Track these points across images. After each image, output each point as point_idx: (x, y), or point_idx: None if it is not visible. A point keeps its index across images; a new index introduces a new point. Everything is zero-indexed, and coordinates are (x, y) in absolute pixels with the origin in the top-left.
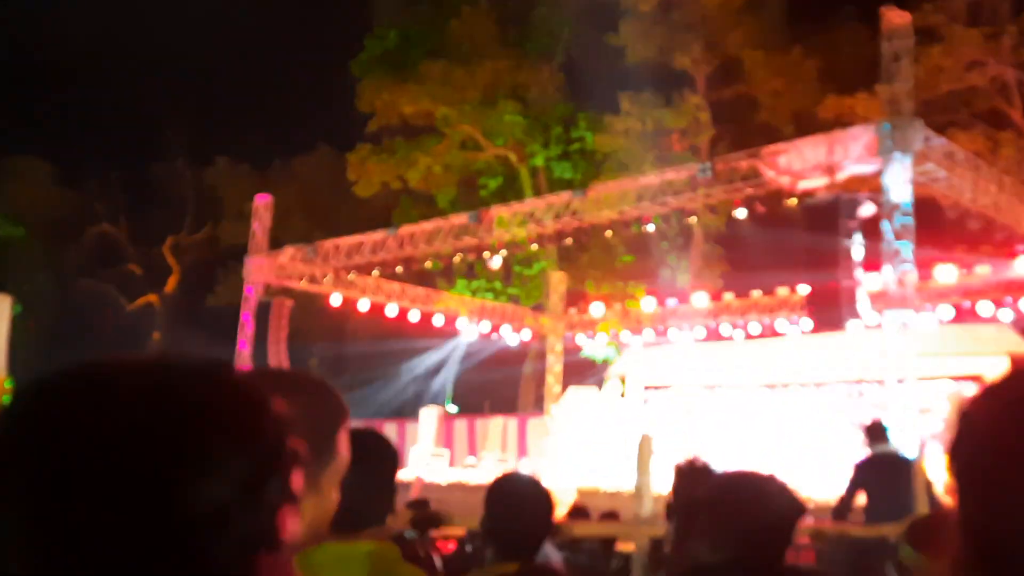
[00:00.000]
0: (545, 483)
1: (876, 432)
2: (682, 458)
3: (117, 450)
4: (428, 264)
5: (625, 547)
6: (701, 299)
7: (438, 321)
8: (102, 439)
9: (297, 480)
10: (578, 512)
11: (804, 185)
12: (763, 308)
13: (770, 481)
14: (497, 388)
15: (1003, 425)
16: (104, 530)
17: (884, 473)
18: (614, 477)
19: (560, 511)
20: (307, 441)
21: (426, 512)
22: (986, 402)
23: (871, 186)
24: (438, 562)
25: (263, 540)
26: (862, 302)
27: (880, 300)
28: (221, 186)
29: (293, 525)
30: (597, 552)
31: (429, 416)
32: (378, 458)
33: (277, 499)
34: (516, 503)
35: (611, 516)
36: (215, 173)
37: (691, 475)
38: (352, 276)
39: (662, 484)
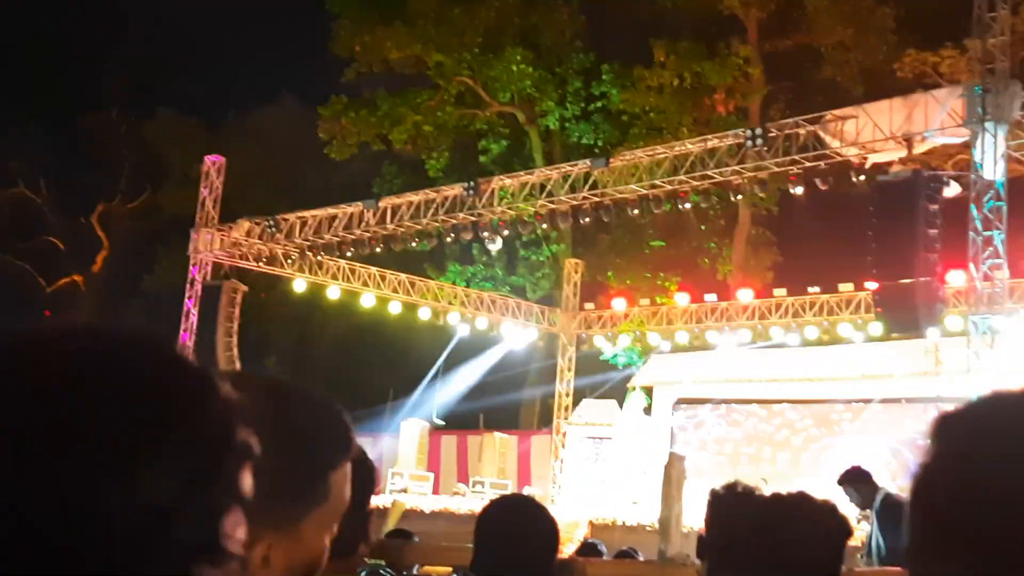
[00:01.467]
0: (550, 511)
1: (863, 479)
2: (719, 483)
3: (30, 435)
4: (414, 245)
5: None
6: (746, 295)
7: (424, 315)
8: (12, 420)
9: (246, 480)
10: (589, 549)
11: (875, 159)
12: (822, 308)
13: (821, 505)
14: (495, 398)
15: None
16: (11, 531)
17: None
18: (634, 508)
19: (568, 548)
20: (286, 472)
21: (405, 544)
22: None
23: (957, 162)
24: None
25: (204, 549)
26: (943, 303)
27: (965, 300)
28: (163, 144)
29: (240, 534)
30: None
31: (411, 430)
32: (352, 479)
33: (222, 500)
34: (513, 534)
35: (629, 554)
36: (156, 128)
37: (730, 504)
38: (321, 257)
39: (693, 515)
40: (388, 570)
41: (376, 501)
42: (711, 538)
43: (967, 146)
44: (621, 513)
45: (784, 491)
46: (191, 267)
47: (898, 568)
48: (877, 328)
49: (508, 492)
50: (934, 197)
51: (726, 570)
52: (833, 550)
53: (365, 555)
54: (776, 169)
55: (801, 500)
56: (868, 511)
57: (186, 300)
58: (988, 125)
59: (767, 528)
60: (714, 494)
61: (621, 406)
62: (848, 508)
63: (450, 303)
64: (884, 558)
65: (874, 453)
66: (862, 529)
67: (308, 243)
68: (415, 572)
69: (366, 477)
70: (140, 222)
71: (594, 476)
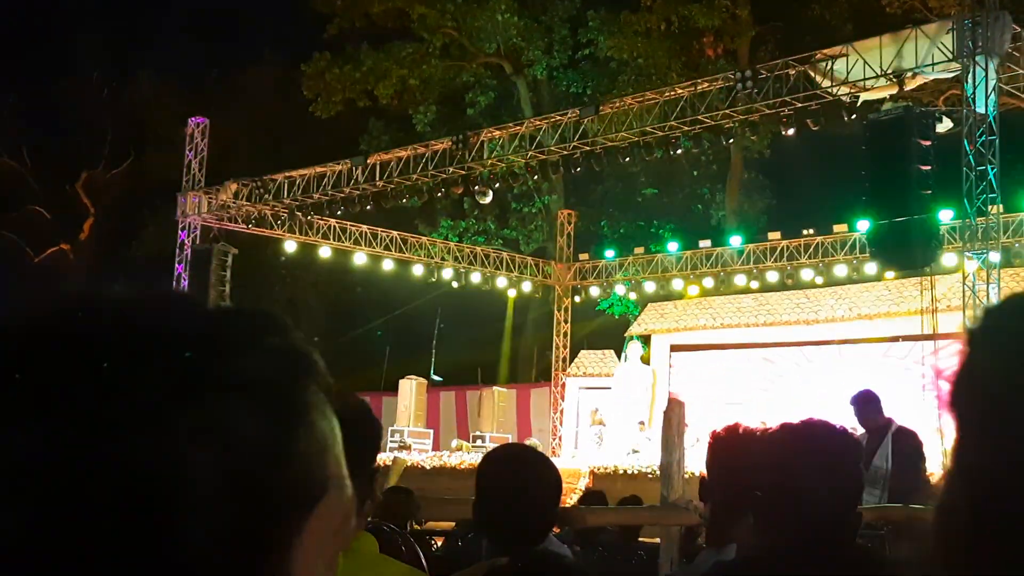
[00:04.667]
0: (551, 459)
1: (872, 400)
2: (719, 426)
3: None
4: (404, 201)
5: (650, 539)
6: (740, 240)
7: (417, 272)
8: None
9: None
10: (592, 497)
11: (866, 97)
12: (817, 250)
13: (831, 429)
14: (492, 353)
15: (1009, 356)
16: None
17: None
18: (636, 455)
19: (570, 499)
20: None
21: (406, 502)
22: (993, 329)
23: (948, 97)
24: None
25: (261, 544)
26: (937, 240)
27: (959, 237)
28: (145, 107)
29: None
30: (616, 545)
31: (409, 388)
32: (356, 434)
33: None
34: (514, 483)
35: (632, 501)
36: (138, 91)
37: (731, 446)
38: (310, 217)
39: (695, 462)
40: (392, 526)
41: (379, 459)
42: (714, 481)
43: (958, 81)
44: (622, 461)
45: (789, 421)
46: (179, 231)
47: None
48: (872, 267)
49: (507, 442)
50: (926, 133)
51: (732, 511)
52: (851, 476)
53: (370, 512)
54: (767, 111)
55: (810, 428)
56: (863, 435)
57: (176, 265)
58: (979, 58)
59: (775, 461)
60: (715, 436)
61: (619, 356)
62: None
63: (443, 259)
64: (883, 482)
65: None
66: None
67: (297, 203)
68: (419, 527)
69: (370, 435)
70: (126, 188)
71: (594, 425)
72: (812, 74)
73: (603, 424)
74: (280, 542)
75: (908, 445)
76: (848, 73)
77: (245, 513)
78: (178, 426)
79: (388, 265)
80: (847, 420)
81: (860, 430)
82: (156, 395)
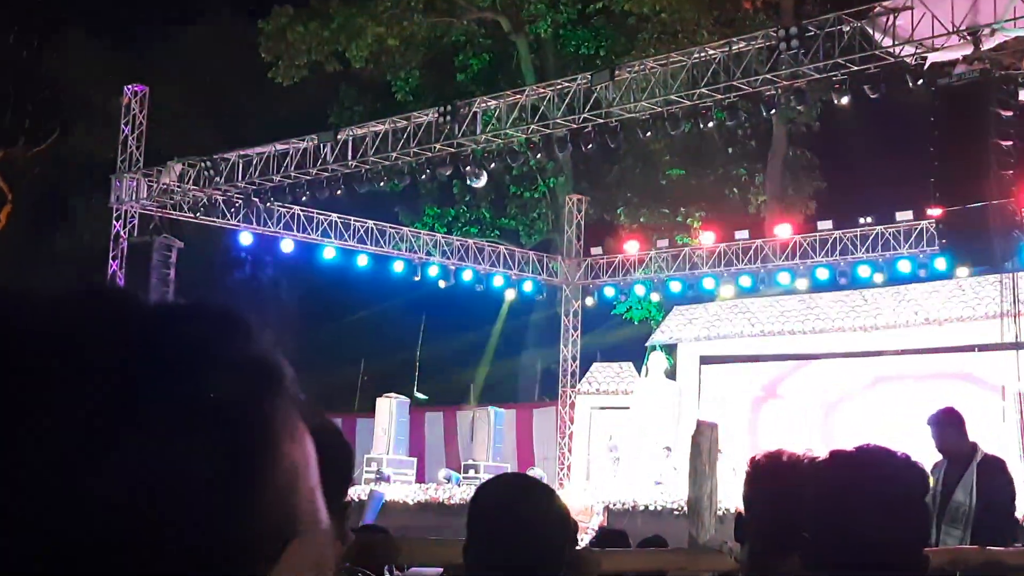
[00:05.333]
0: (558, 494)
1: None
2: (758, 453)
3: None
4: (382, 185)
5: None
6: (785, 230)
7: (398, 268)
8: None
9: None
10: (611, 539)
11: (935, 58)
12: (876, 242)
13: (893, 458)
14: (486, 366)
15: None
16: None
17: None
18: (659, 488)
19: (581, 540)
20: None
21: (383, 543)
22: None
23: None
24: None
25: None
26: (1020, 230)
27: None
28: (72, 74)
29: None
30: None
31: (387, 409)
32: (324, 464)
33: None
34: (513, 518)
35: (656, 543)
36: (63, 55)
37: (773, 476)
38: (270, 204)
39: (729, 495)
40: (367, 572)
41: (351, 493)
42: (753, 517)
43: None
44: (643, 496)
45: (841, 449)
46: (114, 221)
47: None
48: (943, 264)
49: (506, 472)
50: (1007, 102)
51: (775, 554)
52: (916, 514)
53: (342, 556)
54: (816, 76)
55: (866, 457)
56: (943, 462)
57: (110, 261)
58: None
59: (825, 497)
60: (754, 465)
61: (639, 370)
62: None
63: (428, 253)
64: (965, 520)
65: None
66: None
67: (254, 187)
68: (400, 573)
69: (340, 464)
70: (50, 169)
71: (609, 453)
72: (870, 31)
73: (617, 455)
74: None
75: (997, 477)
76: (913, 30)
77: (197, 569)
78: (104, 467)
79: (362, 261)
80: (917, 444)
81: (937, 456)
82: (76, 426)
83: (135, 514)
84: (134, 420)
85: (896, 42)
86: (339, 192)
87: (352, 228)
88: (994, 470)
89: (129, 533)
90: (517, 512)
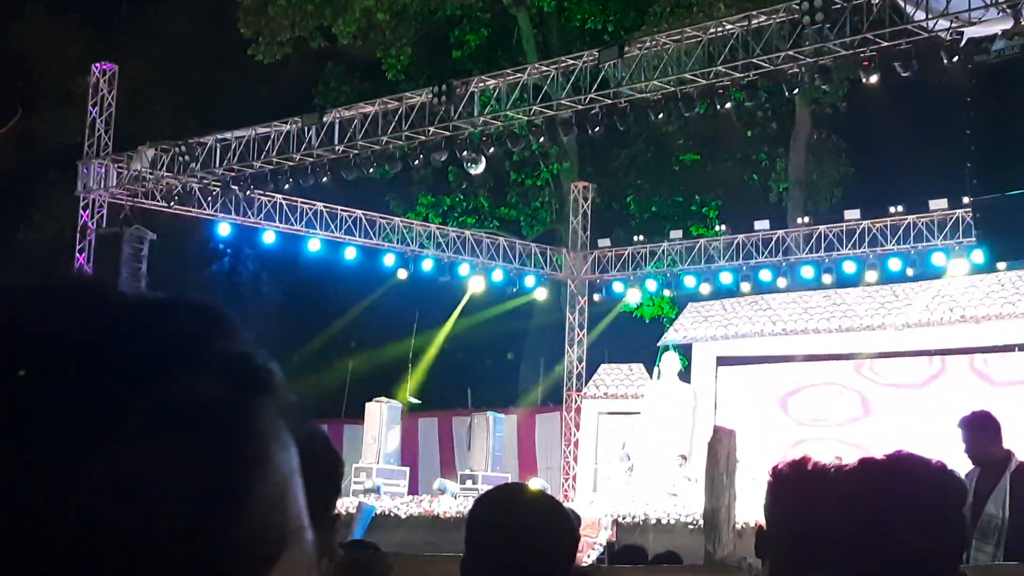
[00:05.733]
0: (562, 505)
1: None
2: (781, 461)
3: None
4: (372, 171)
5: None
6: (808, 221)
7: (389, 261)
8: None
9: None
10: (628, 554)
11: (972, 33)
12: (908, 233)
13: (928, 466)
14: (484, 368)
15: None
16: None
17: None
18: (673, 499)
19: (587, 557)
20: None
21: (374, 559)
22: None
23: None
24: None
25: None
26: None
27: None
28: (35, 51)
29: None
30: None
31: (378, 414)
32: (311, 473)
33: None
34: (514, 532)
35: (669, 559)
36: (24, 31)
37: (797, 487)
38: (250, 192)
39: (749, 508)
40: None
41: (339, 505)
42: (775, 531)
43: None
44: (655, 509)
45: (871, 456)
46: (81, 210)
47: (1015, 564)
48: (980, 256)
49: (506, 483)
50: None
51: (798, 571)
52: (952, 527)
53: (329, 573)
54: (843, 52)
55: (898, 465)
56: (975, 471)
57: (76, 254)
58: None
59: (854, 508)
60: (776, 474)
61: (650, 371)
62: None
63: (422, 245)
64: (998, 535)
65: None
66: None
67: (233, 173)
68: None
69: (328, 474)
70: (9, 155)
71: (618, 462)
72: (901, 3)
73: (630, 464)
74: None
75: None
76: (948, 2)
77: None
78: (79, 472)
79: (350, 254)
80: (952, 452)
81: (968, 465)
82: (48, 431)
83: (113, 523)
84: (109, 423)
85: (929, 15)
86: (325, 179)
87: (339, 218)
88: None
89: (107, 543)
90: (517, 526)
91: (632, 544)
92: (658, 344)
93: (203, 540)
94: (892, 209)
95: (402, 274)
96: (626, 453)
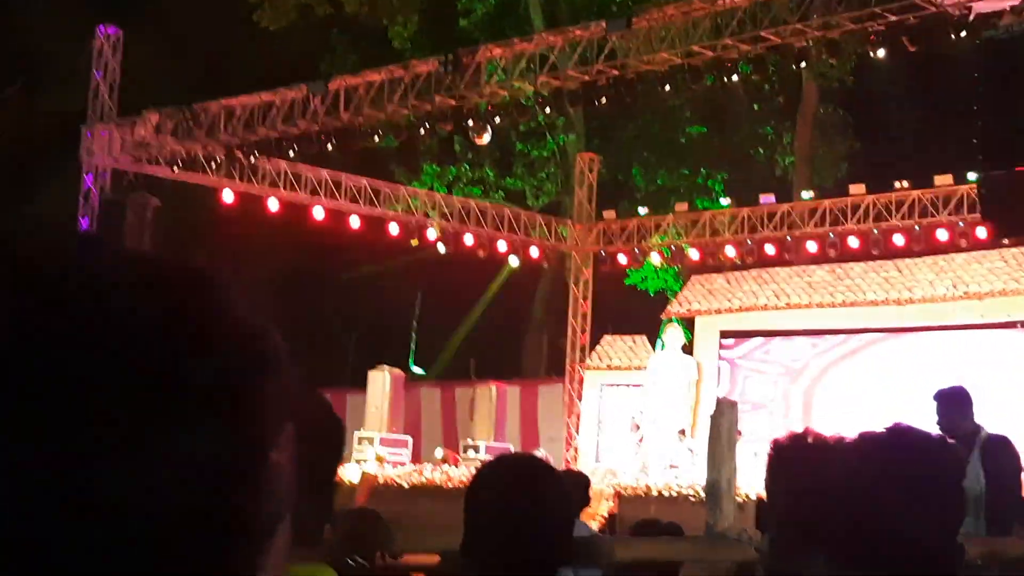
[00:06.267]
0: (561, 475)
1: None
2: (782, 435)
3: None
4: (377, 140)
5: None
6: (813, 195)
7: (393, 231)
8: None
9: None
10: (643, 528)
11: (981, 7)
12: (912, 208)
13: (927, 440)
14: (489, 339)
15: None
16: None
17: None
18: (674, 472)
19: (591, 525)
20: None
21: (375, 527)
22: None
23: None
24: None
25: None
26: None
27: None
28: (38, 17)
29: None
30: None
31: (381, 382)
32: (314, 441)
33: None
34: (515, 503)
35: (670, 531)
36: None
37: (798, 460)
38: (255, 159)
39: (750, 481)
40: (357, 558)
41: (341, 473)
42: (776, 504)
43: None
44: (656, 481)
45: (871, 430)
46: (84, 176)
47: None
48: (984, 232)
49: (507, 453)
50: None
51: (799, 544)
52: (952, 500)
53: (331, 540)
54: (851, 27)
55: (898, 438)
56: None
57: (80, 219)
58: None
59: (854, 482)
60: (777, 448)
61: (653, 344)
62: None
63: (427, 215)
64: (976, 506)
65: (989, 391)
66: None
67: (237, 140)
68: (391, 560)
69: (331, 442)
70: (13, 124)
71: (620, 434)
72: None
73: (642, 435)
74: (253, 571)
75: (1001, 456)
76: None
77: (216, 544)
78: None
79: (355, 222)
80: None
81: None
82: (46, 416)
83: (120, 504)
84: (109, 401)
85: None
86: (330, 147)
87: (344, 187)
88: (998, 449)
89: (118, 526)
90: (519, 497)
91: (649, 519)
92: (661, 316)
93: (219, 515)
94: (897, 184)
95: (441, 248)
96: (637, 424)
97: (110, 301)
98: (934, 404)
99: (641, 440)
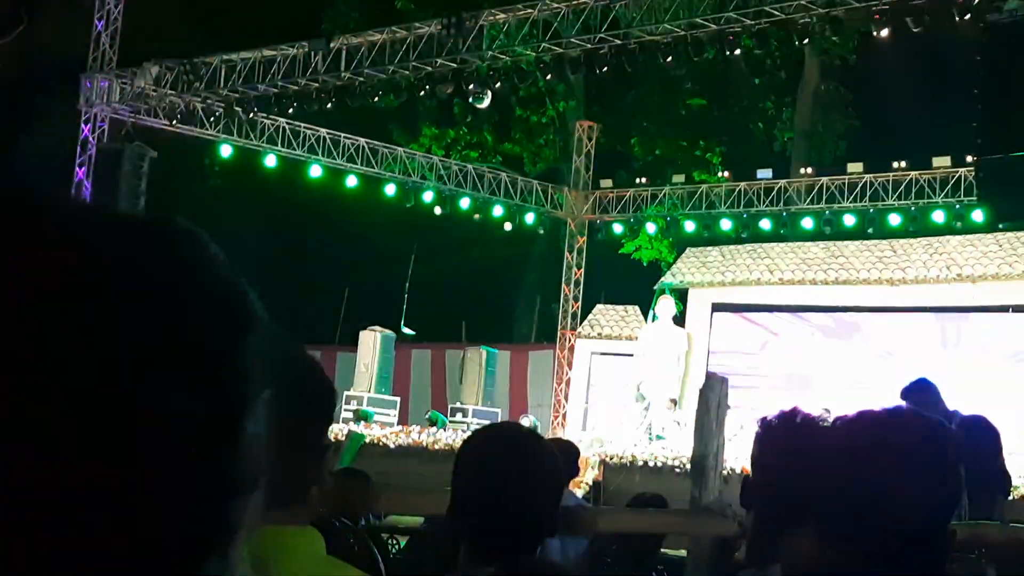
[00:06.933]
0: (550, 445)
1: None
2: (770, 412)
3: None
4: (377, 100)
5: (675, 550)
6: (811, 171)
7: (389, 192)
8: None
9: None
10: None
11: None
12: (909, 189)
13: (920, 420)
14: (481, 303)
15: None
16: None
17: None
18: (660, 442)
19: (577, 492)
20: None
21: (362, 490)
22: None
23: None
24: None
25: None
26: None
27: None
28: None
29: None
30: (631, 557)
31: (371, 342)
32: (303, 401)
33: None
34: (503, 472)
35: (654, 502)
36: None
37: (786, 437)
38: (254, 114)
39: (736, 455)
40: (343, 520)
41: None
42: (761, 481)
43: None
44: (642, 450)
45: (870, 409)
46: (82, 124)
47: (997, 524)
48: (980, 216)
49: (497, 422)
50: None
51: (782, 521)
52: (948, 483)
53: (319, 501)
54: (855, 5)
55: (895, 419)
56: None
57: (76, 168)
58: None
59: (849, 462)
60: (765, 424)
61: (645, 314)
62: None
63: (423, 177)
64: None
65: (981, 372)
66: None
67: (237, 95)
68: (378, 522)
69: (320, 402)
70: (12, 65)
71: (608, 404)
72: None
73: (647, 404)
74: (234, 528)
75: (976, 436)
76: None
77: (204, 500)
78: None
79: (351, 182)
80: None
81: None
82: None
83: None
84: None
85: None
86: (329, 106)
87: (342, 145)
88: (975, 429)
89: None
90: (506, 466)
91: (656, 493)
92: (654, 287)
93: (204, 476)
94: (895, 164)
95: (437, 210)
96: (642, 393)
97: (82, 262)
98: (903, 403)
99: (647, 408)
